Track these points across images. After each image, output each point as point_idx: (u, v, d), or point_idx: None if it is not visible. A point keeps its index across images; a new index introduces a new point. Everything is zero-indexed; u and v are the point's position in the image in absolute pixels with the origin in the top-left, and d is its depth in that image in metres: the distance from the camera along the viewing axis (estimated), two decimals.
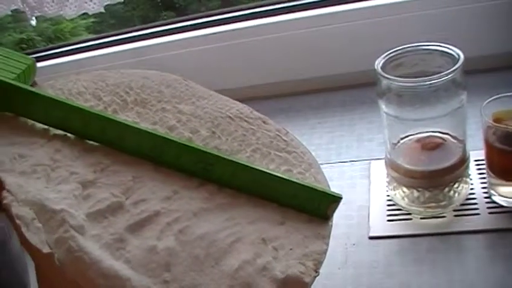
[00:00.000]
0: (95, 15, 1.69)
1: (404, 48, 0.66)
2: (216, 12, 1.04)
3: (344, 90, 0.97)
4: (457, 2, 0.89)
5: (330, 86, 0.98)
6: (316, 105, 0.95)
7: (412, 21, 0.91)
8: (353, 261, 0.64)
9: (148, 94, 0.56)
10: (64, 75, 0.57)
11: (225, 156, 0.49)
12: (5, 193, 0.43)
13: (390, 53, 0.65)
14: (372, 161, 0.79)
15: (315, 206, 0.49)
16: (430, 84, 0.61)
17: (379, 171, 0.76)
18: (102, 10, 0.89)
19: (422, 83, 0.61)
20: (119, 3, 0.92)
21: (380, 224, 0.68)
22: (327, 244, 0.48)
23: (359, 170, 0.78)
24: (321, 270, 0.46)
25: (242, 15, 0.99)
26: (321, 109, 0.94)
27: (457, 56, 0.62)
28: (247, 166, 0.49)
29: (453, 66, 0.61)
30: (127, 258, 0.43)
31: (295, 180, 0.50)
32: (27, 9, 0.87)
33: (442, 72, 0.60)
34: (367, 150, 0.82)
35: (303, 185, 0.50)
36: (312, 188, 0.50)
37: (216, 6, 2.01)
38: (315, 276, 0.45)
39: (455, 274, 0.60)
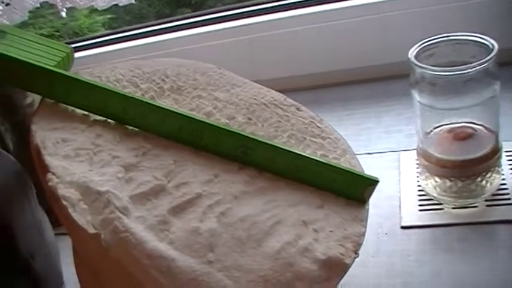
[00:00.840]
0: (111, 12, 1.71)
1: (438, 38, 0.66)
2: (237, 6, 1.06)
3: (371, 83, 0.98)
4: None
5: (356, 79, 0.99)
6: (344, 98, 0.96)
7: (445, 12, 0.92)
8: (386, 250, 0.65)
9: (184, 82, 0.57)
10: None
11: (265, 141, 0.50)
12: (50, 175, 0.45)
13: (424, 43, 0.66)
14: (401, 152, 0.80)
15: (353, 190, 0.50)
16: (464, 73, 0.61)
17: (409, 162, 0.77)
18: (133, 1, 0.90)
19: (456, 72, 0.62)
20: None
21: (411, 214, 0.69)
22: (365, 227, 0.49)
23: (388, 161, 0.79)
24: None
25: (268, 7, 1.01)
26: (349, 101, 0.95)
27: (491, 46, 0.63)
28: (286, 150, 0.50)
29: (487, 56, 0.61)
30: (171, 240, 0.44)
31: (333, 164, 0.51)
32: (58, 0, 0.89)
33: (475, 61, 0.61)
34: (396, 141, 0.83)
35: (341, 169, 0.51)
36: (349, 172, 0.51)
37: (232, 2, 2.02)
38: (355, 258, 0.47)
39: (487, 263, 0.60)
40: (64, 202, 0.43)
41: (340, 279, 0.46)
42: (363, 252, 0.49)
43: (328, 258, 0.45)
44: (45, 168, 0.45)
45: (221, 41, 1.01)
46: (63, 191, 0.44)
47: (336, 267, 0.45)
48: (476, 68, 0.61)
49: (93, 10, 1.52)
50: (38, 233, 0.61)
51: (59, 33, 1.76)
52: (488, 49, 0.63)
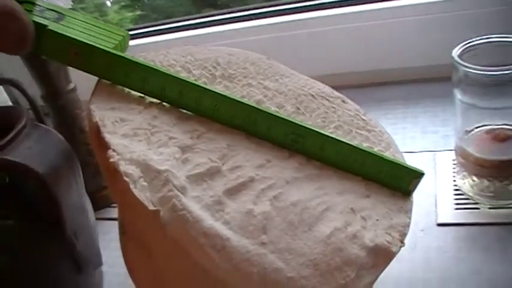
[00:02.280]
0: (141, 8, 1.74)
1: (480, 39, 0.68)
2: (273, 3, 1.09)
3: (408, 84, 1.00)
4: None
5: (393, 80, 1.01)
6: (381, 98, 0.98)
7: (484, 16, 0.94)
8: (422, 246, 0.67)
9: (235, 70, 0.59)
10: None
11: (315, 129, 0.52)
12: (111, 152, 0.47)
13: (467, 43, 0.68)
14: (437, 152, 0.82)
15: (398, 181, 0.52)
16: (507, 73, 0.63)
17: (445, 162, 0.79)
18: None
19: (500, 72, 0.64)
20: None
21: (448, 212, 0.71)
22: (410, 218, 0.51)
23: (424, 161, 0.81)
24: None
25: (308, 5, 1.03)
26: (385, 101, 0.97)
27: None
28: (335, 140, 0.52)
29: None
30: (226, 220, 0.46)
31: (380, 155, 0.53)
32: None
33: None
34: (432, 141, 0.85)
35: (388, 160, 0.53)
36: (396, 164, 0.53)
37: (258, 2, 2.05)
38: (401, 247, 0.49)
39: None
40: (126, 178, 0.45)
41: (386, 267, 0.48)
42: None
43: (376, 246, 0.47)
44: (106, 146, 0.47)
45: (260, 36, 1.03)
46: (124, 167, 0.46)
47: (383, 255, 0.47)
48: None
49: (123, 6, 1.55)
50: (82, 213, 0.63)
51: None
52: None
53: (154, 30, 1.18)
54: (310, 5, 1.05)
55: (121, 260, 0.58)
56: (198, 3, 2.05)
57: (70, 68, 0.59)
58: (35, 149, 0.58)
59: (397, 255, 0.62)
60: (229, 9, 1.11)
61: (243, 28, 1.06)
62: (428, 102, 0.94)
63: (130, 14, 1.90)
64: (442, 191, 0.74)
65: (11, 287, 0.57)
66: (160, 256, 0.48)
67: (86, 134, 0.84)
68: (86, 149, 0.83)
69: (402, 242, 0.49)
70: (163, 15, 1.91)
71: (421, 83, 0.99)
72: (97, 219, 0.70)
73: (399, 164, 0.53)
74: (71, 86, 0.82)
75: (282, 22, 1.05)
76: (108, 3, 0.95)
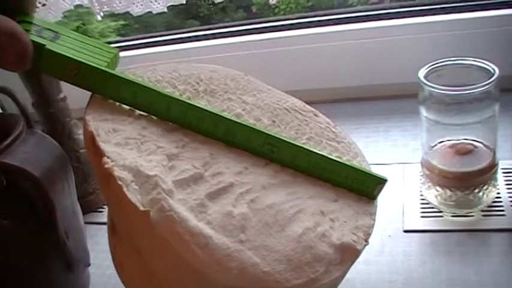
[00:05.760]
0: (123, 18, 1.81)
1: (445, 61, 0.77)
2: (248, 22, 1.17)
3: (380, 100, 1.09)
4: (495, 24, 1.01)
5: (366, 96, 1.10)
6: (353, 113, 1.07)
7: (453, 39, 1.03)
8: (389, 250, 0.75)
9: (216, 85, 0.67)
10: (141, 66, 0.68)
11: (289, 140, 0.60)
12: (106, 159, 0.54)
13: (432, 65, 0.76)
14: (406, 165, 0.90)
15: (364, 187, 0.61)
16: (468, 93, 0.71)
17: (413, 173, 0.87)
18: (165, 10, 1.00)
19: (461, 92, 0.72)
20: None
21: (413, 219, 0.79)
22: (374, 220, 0.59)
23: (394, 172, 0.89)
24: (360, 257, 0.57)
25: (286, 24, 1.12)
26: (358, 116, 1.06)
27: (492, 70, 0.73)
28: (307, 150, 0.61)
29: (488, 80, 0.71)
30: (208, 220, 0.53)
31: (348, 163, 0.61)
32: (96, 4, 0.98)
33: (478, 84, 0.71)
34: (402, 155, 0.93)
35: (355, 168, 0.61)
36: (362, 171, 0.61)
37: (241, 17, 2.13)
38: (365, 245, 0.57)
39: (483, 265, 0.70)
40: (119, 182, 0.52)
41: (352, 263, 0.56)
42: (368, 252, 0.59)
43: (343, 244, 0.55)
44: (101, 153, 0.55)
45: (238, 53, 1.12)
46: (118, 172, 0.53)
47: (349, 252, 0.56)
48: (480, 89, 0.71)
49: (106, 16, 1.62)
50: (73, 214, 0.70)
51: None
52: (489, 73, 0.73)
53: (133, 45, 1.25)
54: (286, 24, 1.14)
55: (106, 262, 0.64)
56: (181, 15, 2.12)
57: None
58: (31, 154, 0.65)
59: (366, 259, 0.70)
60: (208, 26, 1.19)
61: (223, 44, 1.15)
62: (399, 117, 1.03)
63: (113, 23, 1.97)
64: (409, 200, 0.82)
65: (5, 284, 0.63)
66: (149, 253, 0.55)
67: (75, 141, 0.91)
68: (75, 156, 0.91)
69: (367, 241, 0.57)
70: (146, 25, 1.98)
71: (393, 99, 1.08)
72: (84, 223, 0.77)
73: (365, 172, 0.61)
74: (61, 95, 0.89)
75: (260, 40, 1.13)
76: (99, 17, 1.01)
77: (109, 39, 1.86)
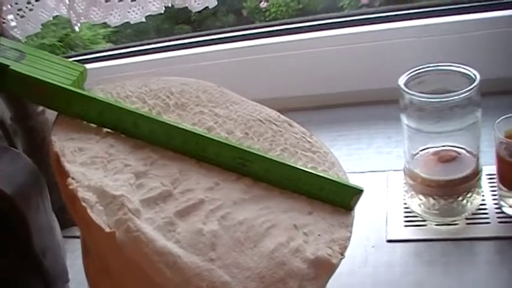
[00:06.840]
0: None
1: (426, 67, 0.76)
2: (238, 28, 1.17)
3: (363, 106, 1.08)
4: (476, 27, 1.01)
5: (349, 102, 1.09)
6: (336, 119, 1.06)
7: (433, 44, 1.03)
8: (372, 261, 0.74)
9: (188, 99, 0.66)
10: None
11: (261, 154, 0.60)
12: (70, 180, 0.53)
13: (413, 71, 0.76)
14: (390, 172, 0.89)
15: (340, 198, 0.60)
16: (449, 100, 0.71)
17: (396, 181, 0.87)
18: (143, 20, 0.99)
19: (442, 99, 0.71)
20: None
21: (397, 229, 0.78)
22: (350, 232, 0.58)
23: (377, 180, 0.88)
24: (343, 269, 0.56)
25: (267, 31, 1.11)
26: (341, 123, 1.05)
27: (473, 76, 0.72)
28: (280, 163, 0.60)
29: (470, 86, 0.71)
30: (177, 239, 0.52)
31: (322, 174, 0.60)
32: (73, 15, 0.97)
33: (460, 90, 0.70)
34: (385, 162, 0.92)
35: (329, 179, 0.60)
36: (337, 182, 0.60)
37: (231, 21, 2.13)
38: (341, 259, 0.55)
39: (467, 275, 0.69)
40: (83, 204, 0.52)
41: (329, 278, 0.55)
42: (351, 263, 0.59)
43: (317, 258, 0.54)
44: (65, 174, 0.54)
45: (220, 61, 1.11)
46: (82, 193, 0.52)
47: (324, 267, 0.54)
48: (461, 95, 0.70)
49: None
50: (49, 232, 0.69)
51: (60, 43, 1.86)
52: (471, 79, 0.72)
53: (123, 53, 1.25)
54: (263, 32, 1.14)
55: None
56: (171, 19, 2.13)
57: None
58: (4, 172, 0.64)
59: (349, 270, 0.69)
60: (194, 34, 1.19)
61: (197, 54, 1.14)
62: (382, 124, 1.02)
63: (102, 30, 1.98)
64: (392, 209, 0.82)
65: None
66: (120, 274, 0.54)
67: None
68: None
69: (342, 254, 0.56)
70: (136, 31, 1.98)
71: (376, 105, 1.07)
72: (64, 237, 0.76)
73: (340, 182, 0.60)
74: (40, 108, 0.89)
75: (237, 48, 1.13)
76: (77, 28, 1.01)
77: (99, 46, 1.86)
